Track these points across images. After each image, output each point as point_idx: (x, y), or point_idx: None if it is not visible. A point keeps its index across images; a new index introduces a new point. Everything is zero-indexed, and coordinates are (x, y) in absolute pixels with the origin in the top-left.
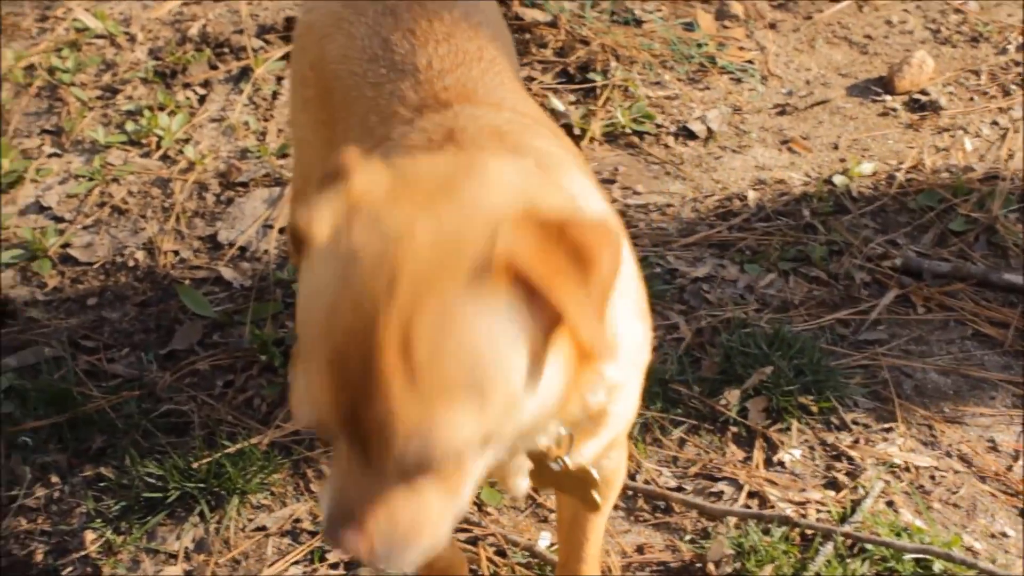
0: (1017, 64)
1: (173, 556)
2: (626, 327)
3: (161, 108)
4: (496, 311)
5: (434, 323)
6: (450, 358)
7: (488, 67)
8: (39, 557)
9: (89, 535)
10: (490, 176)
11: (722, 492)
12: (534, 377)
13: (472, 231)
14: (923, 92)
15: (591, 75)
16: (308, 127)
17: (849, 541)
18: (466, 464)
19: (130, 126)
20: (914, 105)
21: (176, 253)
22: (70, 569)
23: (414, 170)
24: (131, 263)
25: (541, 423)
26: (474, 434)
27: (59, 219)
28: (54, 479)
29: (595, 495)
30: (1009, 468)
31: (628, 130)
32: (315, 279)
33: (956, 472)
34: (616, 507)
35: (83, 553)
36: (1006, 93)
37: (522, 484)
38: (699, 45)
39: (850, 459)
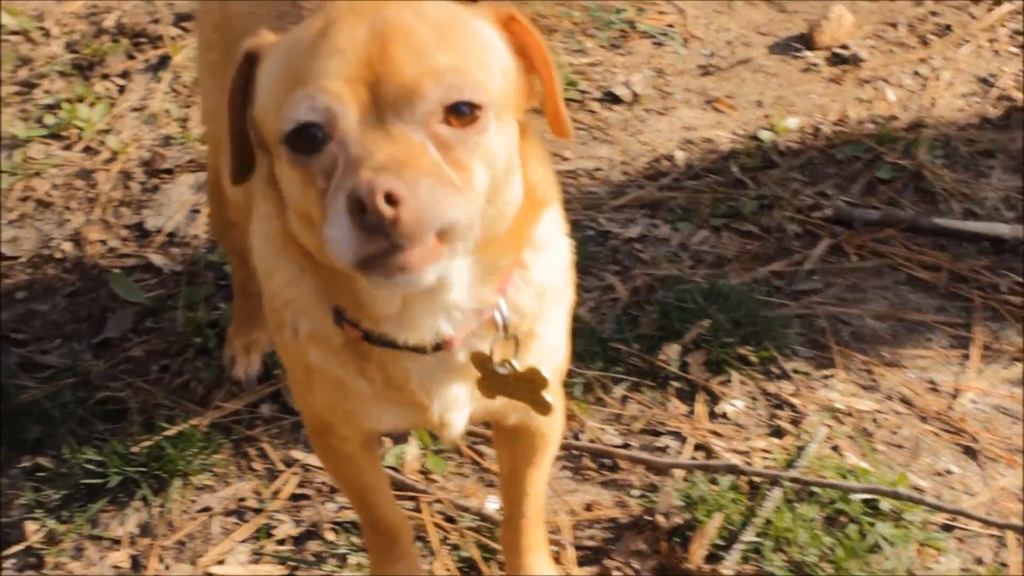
0: (934, 15)
1: (117, 542)
2: (554, 258)
3: (80, 100)
4: (489, 29)
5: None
6: (459, 33)
7: None
8: None
9: (30, 526)
10: None
11: (667, 446)
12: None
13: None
14: (843, 46)
15: None
16: (216, 94)
17: (797, 486)
18: (487, 121)
19: (50, 119)
20: (835, 59)
21: (104, 242)
22: (13, 561)
23: None
24: (58, 255)
25: (505, 194)
26: (492, 88)
27: None
28: None
29: (546, 396)
30: (949, 407)
31: None
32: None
33: (898, 414)
34: (562, 467)
35: (25, 544)
36: (924, 43)
37: (458, 421)
38: (618, 11)
39: (792, 407)
